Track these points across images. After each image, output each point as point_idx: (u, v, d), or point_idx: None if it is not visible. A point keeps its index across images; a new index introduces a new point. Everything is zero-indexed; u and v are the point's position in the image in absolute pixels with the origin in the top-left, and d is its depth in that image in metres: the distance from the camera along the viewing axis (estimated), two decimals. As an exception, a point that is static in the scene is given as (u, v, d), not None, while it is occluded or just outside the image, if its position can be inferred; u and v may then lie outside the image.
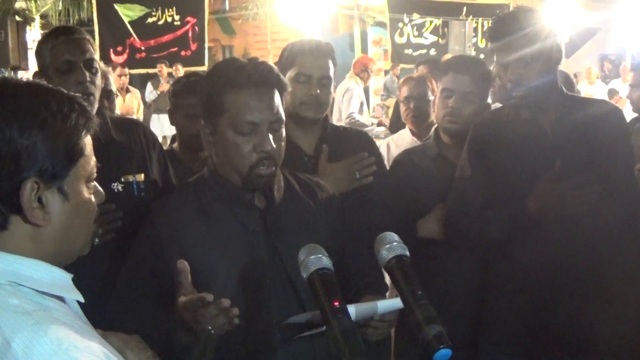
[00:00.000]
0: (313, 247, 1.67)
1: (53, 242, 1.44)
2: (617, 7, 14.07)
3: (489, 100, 3.49)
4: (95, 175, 1.55)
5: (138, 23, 13.84)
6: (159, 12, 13.92)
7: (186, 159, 3.67)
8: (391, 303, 2.12)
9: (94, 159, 1.56)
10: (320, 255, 1.64)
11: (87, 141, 1.52)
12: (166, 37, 14.10)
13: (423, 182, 3.37)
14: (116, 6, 13.84)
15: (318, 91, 3.00)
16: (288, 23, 15.20)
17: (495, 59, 2.95)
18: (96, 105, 2.96)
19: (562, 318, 2.68)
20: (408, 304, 1.56)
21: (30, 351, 1.25)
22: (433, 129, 3.59)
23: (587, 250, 2.62)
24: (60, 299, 1.44)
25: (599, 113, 2.92)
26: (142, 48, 13.99)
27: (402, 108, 4.65)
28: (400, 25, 14.63)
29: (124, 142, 3.04)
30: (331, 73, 3.06)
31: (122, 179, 2.89)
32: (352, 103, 8.84)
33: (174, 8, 13.98)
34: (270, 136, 2.24)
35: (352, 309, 1.88)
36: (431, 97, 4.33)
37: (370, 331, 2.23)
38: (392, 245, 1.66)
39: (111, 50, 13.66)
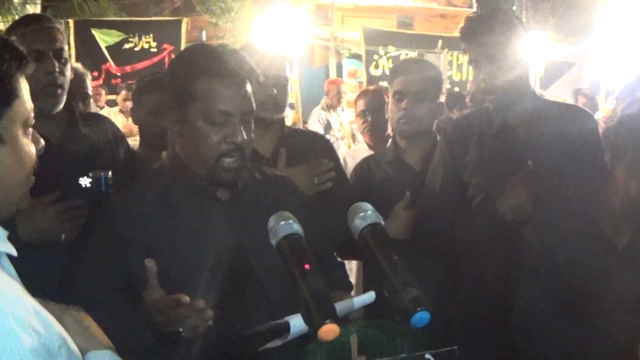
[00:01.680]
0: (282, 214, 1.66)
1: None
2: (590, 42, 14.24)
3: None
4: (32, 121, 1.49)
5: (115, 49, 13.79)
6: (136, 38, 13.88)
7: (148, 158, 3.57)
8: (365, 297, 2.08)
9: (30, 104, 1.49)
10: (290, 221, 1.63)
11: (23, 84, 1.46)
12: (142, 64, 14.01)
13: (382, 186, 3.42)
14: (93, 31, 13.80)
15: (275, 91, 3.03)
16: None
17: (467, 59, 2.99)
18: (64, 98, 2.94)
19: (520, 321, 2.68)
20: (383, 270, 1.56)
21: None
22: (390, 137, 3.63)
23: (548, 253, 2.63)
24: None
25: (570, 116, 2.96)
26: (118, 74, 13.92)
27: (359, 121, 4.70)
28: (376, 57, 14.67)
29: (93, 137, 3.03)
30: (287, 73, 3.09)
31: (91, 174, 2.83)
32: (314, 124, 9.17)
33: (151, 35, 13.95)
34: (242, 127, 2.18)
35: None
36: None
37: None
38: (366, 214, 1.66)
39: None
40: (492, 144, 2.99)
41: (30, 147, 1.50)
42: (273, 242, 1.63)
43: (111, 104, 12.57)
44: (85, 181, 2.82)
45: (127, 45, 13.89)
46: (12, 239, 2.59)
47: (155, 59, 14.04)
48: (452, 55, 14.52)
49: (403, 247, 3.16)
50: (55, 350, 1.34)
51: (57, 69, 2.86)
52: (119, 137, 3.22)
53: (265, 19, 13.96)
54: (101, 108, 11.50)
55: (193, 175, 2.25)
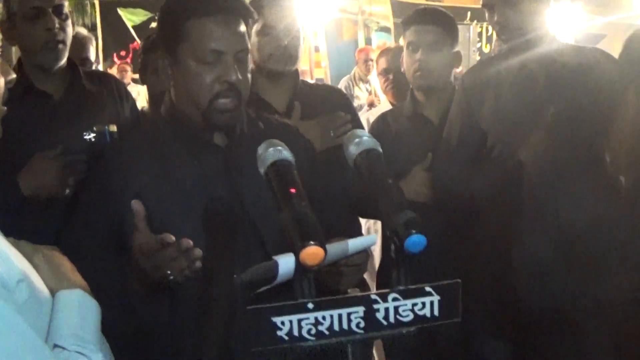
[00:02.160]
0: (272, 142, 1.55)
1: None
2: (622, 13, 13.95)
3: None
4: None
5: (142, 27, 13.79)
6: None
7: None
8: (363, 240, 1.95)
9: None
10: (279, 148, 1.52)
11: None
12: (170, 42, 14.05)
13: (400, 141, 3.31)
14: (119, 10, 13.84)
15: (286, 42, 2.93)
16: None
17: (481, 2, 2.86)
18: (66, 54, 2.91)
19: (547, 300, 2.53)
20: (375, 195, 1.43)
21: None
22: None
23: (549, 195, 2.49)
24: None
25: (592, 59, 2.81)
26: (146, 52, 13.94)
27: (381, 80, 4.61)
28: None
29: (96, 92, 3.00)
30: (299, 24, 2.99)
31: (95, 128, 2.80)
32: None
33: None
34: (236, 66, 2.08)
35: None
36: None
37: (341, 279, 2.05)
38: (361, 139, 1.54)
39: (115, 54, 13.66)
40: (511, 90, 2.85)
41: None
42: (261, 170, 1.52)
43: (138, 82, 12.55)
44: (89, 135, 2.80)
45: (154, 24, 13.86)
46: (14, 195, 2.59)
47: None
48: (481, 27, 14.35)
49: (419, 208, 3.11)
50: (13, 284, 1.26)
51: (57, 25, 2.83)
52: (125, 94, 3.20)
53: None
54: (127, 85, 11.47)
55: (188, 121, 2.16)
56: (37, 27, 2.80)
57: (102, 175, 2.17)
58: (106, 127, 2.84)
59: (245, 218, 2.13)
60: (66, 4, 2.92)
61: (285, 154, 1.51)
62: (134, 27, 13.94)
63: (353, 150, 1.54)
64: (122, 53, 13.93)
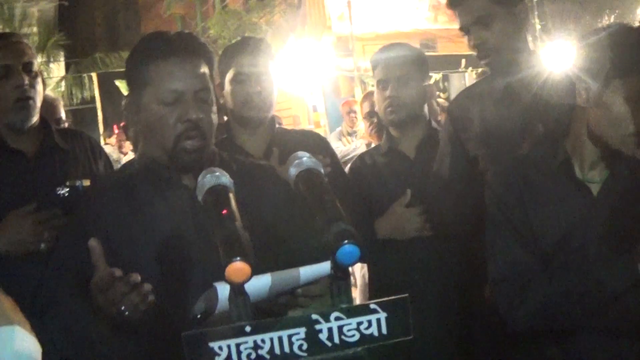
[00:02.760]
0: (211, 169, 1.55)
1: None
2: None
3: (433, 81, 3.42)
4: None
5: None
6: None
7: None
8: (316, 268, 1.80)
9: None
10: (217, 174, 1.51)
11: None
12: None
13: (378, 179, 3.29)
14: (117, 82, 14.02)
15: (259, 89, 2.93)
16: (289, 91, 15.23)
17: (458, 26, 2.86)
18: (37, 112, 2.91)
19: None
20: (312, 211, 1.40)
21: None
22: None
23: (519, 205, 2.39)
24: None
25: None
26: (145, 122, 14.08)
27: (366, 124, 4.60)
28: (401, 83, 14.63)
29: (69, 150, 2.99)
30: (271, 70, 3.00)
31: (68, 183, 2.83)
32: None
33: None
34: (196, 106, 2.09)
35: (266, 278, 1.66)
36: None
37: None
38: (301, 160, 1.53)
39: (115, 125, 13.80)
40: (496, 113, 2.82)
41: None
42: (199, 197, 1.49)
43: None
44: (62, 190, 2.84)
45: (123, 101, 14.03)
46: None
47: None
48: (476, 73, 14.40)
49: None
50: None
51: (26, 82, 2.83)
52: (99, 151, 3.20)
53: (285, 53, 14.05)
54: (125, 154, 11.52)
55: (156, 164, 2.16)
56: (7, 85, 2.80)
57: (75, 222, 2.20)
58: (79, 181, 2.86)
59: (212, 256, 2.07)
60: (35, 62, 2.93)
61: (223, 179, 1.50)
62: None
63: (293, 171, 1.52)
64: (122, 124, 14.06)
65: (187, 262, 2.08)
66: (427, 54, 3.52)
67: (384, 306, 1.33)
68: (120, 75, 13.96)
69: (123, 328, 1.91)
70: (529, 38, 2.89)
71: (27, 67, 2.87)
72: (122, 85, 13.86)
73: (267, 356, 1.29)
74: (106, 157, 3.25)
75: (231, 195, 1.46)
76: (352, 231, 1.28)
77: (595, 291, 2.07)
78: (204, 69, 2.15)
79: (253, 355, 1.28)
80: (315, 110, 15.73)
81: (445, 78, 14.72)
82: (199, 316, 1.71)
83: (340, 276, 1.33)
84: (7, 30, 16.98)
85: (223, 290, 1.62)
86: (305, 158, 1.52)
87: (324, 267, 1.82)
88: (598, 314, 2.11)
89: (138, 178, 2.20)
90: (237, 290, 1.28)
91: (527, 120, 2.71)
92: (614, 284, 2.06)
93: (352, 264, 1.27)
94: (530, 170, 2.31)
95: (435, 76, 14.78)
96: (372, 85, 15.85)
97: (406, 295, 1.35)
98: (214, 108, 2.18)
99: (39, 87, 2.92)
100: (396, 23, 17.17)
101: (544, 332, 2.25)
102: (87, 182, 2.87)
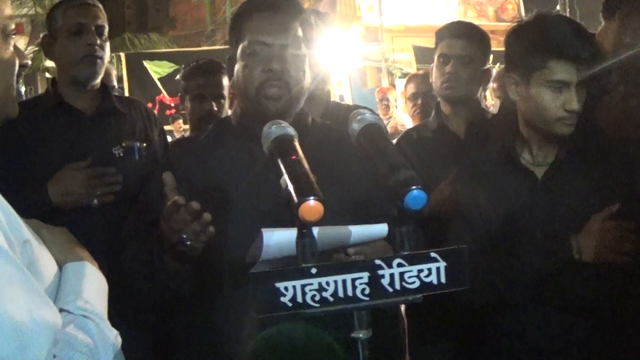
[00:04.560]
0: (276, 121, 1.58)
1: None
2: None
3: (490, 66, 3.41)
4: (11, 30, 1.39)
5: (167, 80, 13.92)
6: (188, 68, 14.04)
7: None
8: (370, 229, 1.85)
9: (8, 11, 1.39)
10: (283, 125, 1.54)
11: None
12: (195, 93, 14.16)
13: (426, 156, 3.26)
14: (145, 63, 14.01)
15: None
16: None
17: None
18: (102, 72, 2.98)
19: None
20: (374, 160, 1.43)
21: None
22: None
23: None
24: None
25: None
26: (172, 104, 14.06)
27: (409, 105, 4.61)
28: (428, 75, 14.58)
29: (126, 114, 3.06)
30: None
31: (124, 144, 2.89)
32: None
33: (202, 64, 14.09)
34: (282, 58, 2.17)
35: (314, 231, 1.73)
36: None
37: None
38: (363, 116, 1.55)
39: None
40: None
41: (9, 55, 1.39)
42: (265, 148, 1.53)
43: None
44: (118, 150, 2.89)
45: (178, 76, 14.02)
46: (42, 201, 2.64)
47: (208, 88, 14.16)
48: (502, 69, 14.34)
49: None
50: (19, 243, 1.26)
51: (97, 42, 2.92)
52: (153, 119, 3.25)
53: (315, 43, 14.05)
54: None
55: (245, 117, 2.27)
56: (79, 41, 2.88)
57: (164, 163, 2.33)
58: (135, 143, 2.91)
59: (287, 213, 2.13)
60: (107, 28, 3.00)
61: (289, 130, 1.52)
62: (159, 79, 14.07)
63: (355, 127, 1.55)
64: (149, 105, 14.04)
65: (259, 215, 2.11)
66: None
67: (443, 255, 1.37)
68: (148, 56, 14.03)
69: (183, 260, 1.99)
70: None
71: (99, 30, 2.95)
72: (150, 67, 13.91)
73: (331, 299, 1.32)
74: (161, 126, 3.32)
75: (297, 144, 1.49)
76: (418, 178, 1.31)
77: (526, 270, 2.27)
78: (294, 25, 2.23)
79: (317, 297, 1.32)
80: (342, 99, 15.74)
81: (431, 71, 14.67)
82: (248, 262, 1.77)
83: (404, 222, 1.35)
84: (39, 10, 17.12)
85: (268, 236, 1.67)
86: (367, 114, 1.55)
87: (377, 229, 1.85)
88: (530, 290, 2.30)
89: (228, 129, 2.31)
90: (306, 231, 1.31)
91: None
92: (545, 265, 2.26)
93: (420, 209, 1.30)
94: (481, 163, 2.51)
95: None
96: (400, 77, 15.78)
97: (465, 246, 1.39)
98: (304, 64, 2.23)
99: (107, 50, 2.99)
100: (425, 16, 17.08)
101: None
102: (142, 145, 2.93)
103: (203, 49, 16.15)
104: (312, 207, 1.25)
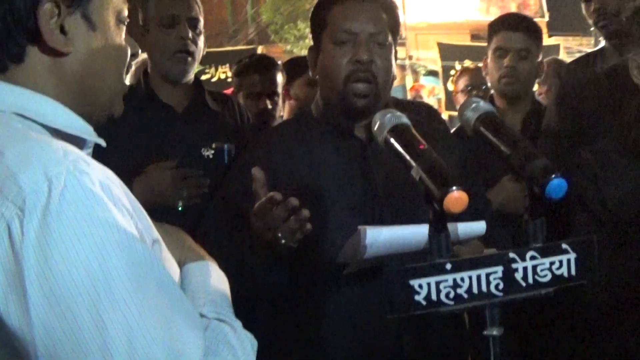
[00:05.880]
0: (386, 110, 1.52)
1: (75, 77, 1.26)
2: None
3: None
4: (125, 17, 1.35)
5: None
6: (212, 69, 13.97)
7: None
8: (473, 226, 1.86)
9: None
10: (398, 114, 1.49)
11: None
12: (220, 94, 14.16)
13: (481, 151, 3.22)
14: (170, 64, 13.96)
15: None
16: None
17: None
18: (194, 68, 2.88)
19: None
20: (503, 152, 1.41)
21: (26, 158, 1.07)
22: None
23: None
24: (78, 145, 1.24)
25: None
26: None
27: (463, 98, 4.57)
28: (452, 72, 14.44)
29: (218, 112, 2.96)
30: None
31: (214, 145, 2.79)
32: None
33: (228, 65, 14.05)
34: (370, 48, 2.09)
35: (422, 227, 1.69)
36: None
37: None
38: (478, 104, 1.51)
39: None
40: (613, 92, 2.78)
41: (123, 42, 1.35)
42: (379, 138, 1.49)
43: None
44: (207, 152, 2.81)
45: (204, 77, 13.96)
46: None
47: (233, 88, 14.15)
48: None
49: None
50: (149, 242, 1.22)
51: (190, 36, 2.78)
52: (246, 118, 3.16)
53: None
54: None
55: (330, 110, 2.21)
56: (171, 34, 2.75)
57: (247, 156, 2.26)
58: (226, 145, 2.82)
59: (376, 210, 2.13)
60: (202, 20, 2.87)
61: (404, 119, 1.48)
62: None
63: (470, 115, 1.50)
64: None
65: (349, 212, 2.10)
66: (477, 44, 3.53)
67: (574, 247, 1.33)
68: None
69: (276, 258, 1.96)
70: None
71: (193, 22, 2.81)
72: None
73: (465, 295, 1.29)
74: (253, 124, 3.26)
75: (414, 131, 1.45)
76: (554, 166, 1.29)
77: None
78: (383, 15, 2.16)
79: (452, 294, 1.28)
80: (366, 97, 15.74)
81: (486, 65, 14.59)
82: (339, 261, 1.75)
83: (538, 213, 1.33)
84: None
85: (373, 235, 1.65)
86: (481, 102, 1.51)
87: (478, 226, 1.84)
88: None
89: (313, 123, 2.25)
90: (441, 224, 1.29)
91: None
92: None
93: (561, 198, 1.28)
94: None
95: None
96: (424, 74, 15.75)
97: (593, 235, 1.36)
98: (391, 55, 2.18)
99: (201, 44, 2.85)
100: (448, 13, 17.11)
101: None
102: (232, 147, 2.81)
103: (227, 49, 16.14)
104: (457, 197, 1.23)
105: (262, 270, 2.00)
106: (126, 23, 1.37)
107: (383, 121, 1.48)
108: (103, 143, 1.31)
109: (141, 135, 2.75)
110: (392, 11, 2.20)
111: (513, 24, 3.23)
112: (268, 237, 1.87)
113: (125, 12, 1.36)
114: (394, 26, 2.20)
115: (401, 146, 1.41)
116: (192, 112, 2.89)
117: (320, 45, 2.18)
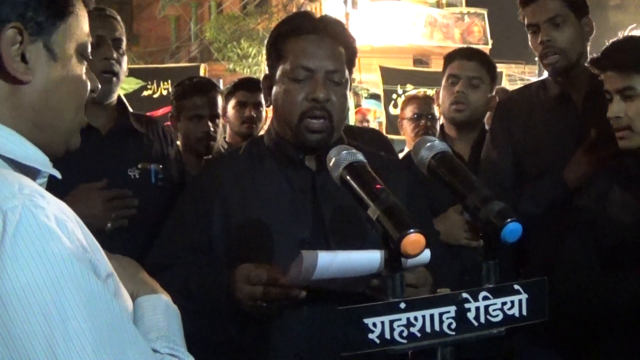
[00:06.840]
0: (343, 146, 1.52)
1: (33, 107, 1.23)
2: None
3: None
4: (88, 53, 1.36)
5: (133, 96, 13.72)
6: (154, 85, 13.87)
7: (189, 165, 3.48)
8: (420, 255, 1.89)
9: (87, 30, 1.37)
10: (353, 151, 1.49)
11: (79, 7, 1.35)
12: (161, 110, 13.93)
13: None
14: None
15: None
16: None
17: (526, 24, 2.94)
18: (118, 88, 2.86)
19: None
20: (459, 192, 1.41)
21: None
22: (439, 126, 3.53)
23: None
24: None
25: None
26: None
27: (410, 126, 4.60)
28: (394, 96, 14.67)
29: (143, 133, 2.93)
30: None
31: (140, 166, 2.77)
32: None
33: (170, 81, 13.92)
34: (327, 86, 2.09)
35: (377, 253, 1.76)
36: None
37: None
38: (433, 144, 1.51)
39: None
40: (550, 119, 2.89)
41: (83, 76, 1.35)
42: (335, 175, 1.49)
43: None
44: (134, 172, 2.78)
45: (145, 93, 13.85)
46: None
47: (174, 106, 14.05)
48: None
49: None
50: (103, 276, 1.20)
51: (114, 57, 2.77)
52: (170, 140, 3.11)
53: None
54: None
55: (282, 141, 2.21)
56: (95, 55, 2.65)
57: (197, 186, 2.26)
58: (152, 165, 2.80)
59: (323, 240, 2.13)
60: (124, 41, 2.87)
61: (359, 156, 1.49)
62: (125, 95, 13.87)
63: (425, 154, 1.51)
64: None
65: (298, 242, 2.09)
66: (419, 69, 3.61)
67: (525, 287, 1.35)
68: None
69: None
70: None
71: (117, 44, 2.81)
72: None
73: (418, 334, 1.29)
74: (177, 147, 3.22)
75: (370, 170, 1.45)
76: (511, 210, 1.31)
77: None
78: (342, 53, 2.16)
79: (405, 333, 1.28)
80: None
81: (438, 94, 14.78)
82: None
83: (493, 255, 1.35)
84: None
85: (322, 258, 1.68)
86: (436, 141, 1.52)
87: (423, 255, 1.85)
88: None
89: (264, 152, 2.24)
90: (395, 267, 1.29)
91: (580, 137, 2.78)
92: None
93: (515, 242, 1.29)
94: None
95: (429, 92, 14.84)
96: (366, 97, 15.84)
97: (545, 277, 1.38)
98: (346, 91, 2.19)
99: (124, 65, 2.85)
100: (392, 37, 17.27)
101: None
102: (159, 167, 2.80)
103: (170, 66, 16.06)
104: (414, 240, 1.23)
105: (228, 314, 2.03)
106: (89, 51, 1.36)
107: (339, 158, 1.48)
108: (58, 175, 1.29)
109: (67, 159, 2.67)
110: (350, 45, 2.20)
111: (468, 54, 3.33)
112: (251, 302, 1.94)
113: (89, 47, 1.37)
114: (351, 60, 2.21)
115: (357, 185, 1.42)
116: (117, 133, 2.85)
117: (275, 74, 2.18)
